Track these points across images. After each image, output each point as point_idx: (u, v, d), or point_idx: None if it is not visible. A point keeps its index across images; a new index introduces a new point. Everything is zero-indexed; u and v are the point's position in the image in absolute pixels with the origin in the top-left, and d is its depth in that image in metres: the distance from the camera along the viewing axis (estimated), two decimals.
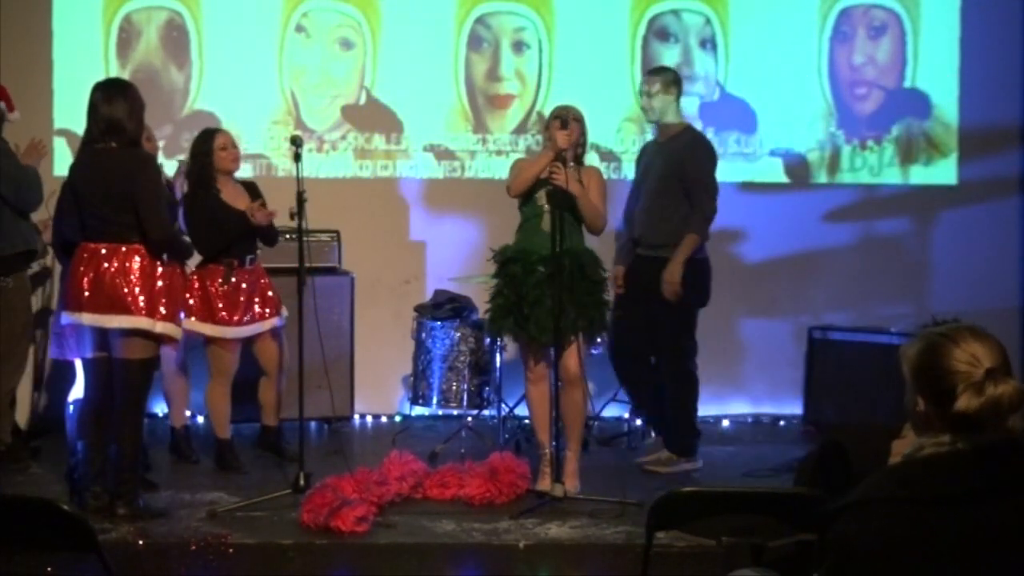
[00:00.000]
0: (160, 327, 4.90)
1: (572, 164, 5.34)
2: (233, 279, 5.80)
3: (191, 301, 5.71)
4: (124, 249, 4.85)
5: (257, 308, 5.87)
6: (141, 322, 4.85)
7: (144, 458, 5.36)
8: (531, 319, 5.23)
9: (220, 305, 5.76)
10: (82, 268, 4.88)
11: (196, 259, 5.86)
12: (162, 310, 4.90)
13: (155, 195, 4.93)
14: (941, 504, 2.16)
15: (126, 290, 4.82)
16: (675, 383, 5.95)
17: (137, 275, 4.85)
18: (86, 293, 4.83)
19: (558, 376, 5.23)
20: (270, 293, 5.94)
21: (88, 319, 4.85)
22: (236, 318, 5.80)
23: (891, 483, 2.25)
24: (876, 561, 2.16)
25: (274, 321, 5.93)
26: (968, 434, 2.22)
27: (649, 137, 7.52)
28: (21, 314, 5.90)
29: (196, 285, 5.76)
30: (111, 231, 4.87)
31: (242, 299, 5.82)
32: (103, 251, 4.86)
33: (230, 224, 5.76)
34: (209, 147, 5.83)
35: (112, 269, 4.83)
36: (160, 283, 4.91)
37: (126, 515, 4.81)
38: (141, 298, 4.84)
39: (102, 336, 4.91)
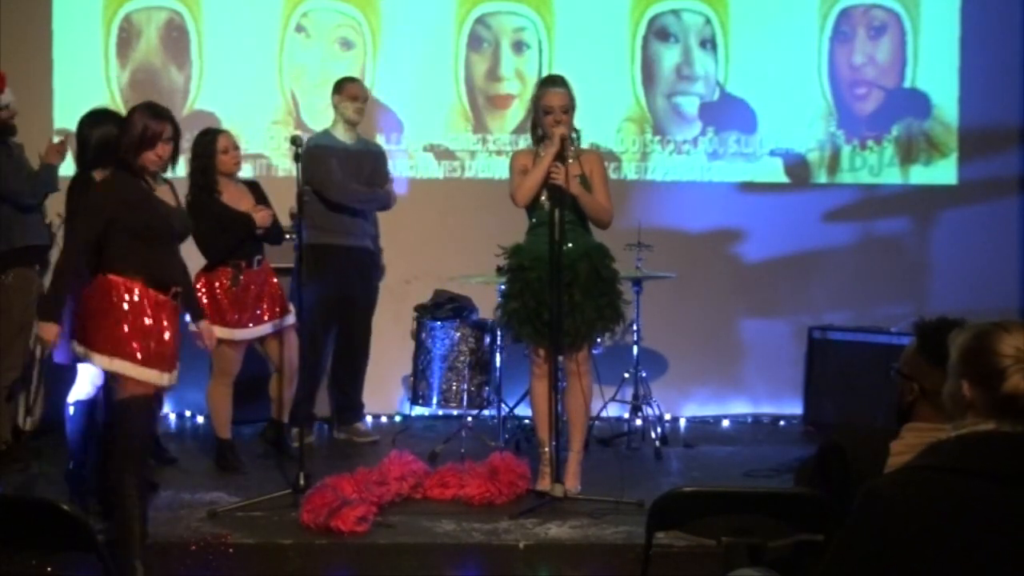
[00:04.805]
0: (105, 363, 4.29)
1: (572, 150, 5.30)
2: (241, 279, 5.79)
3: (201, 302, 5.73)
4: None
5: (265, 308, 5.87)
6: (93, 356, 4.31)
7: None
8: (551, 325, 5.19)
9: (228, 307, 5.75)
10: None
11: (200, 261, 5.86)
12: (106, 343, 4.27)
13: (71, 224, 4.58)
14: (981, 479, 2.22)
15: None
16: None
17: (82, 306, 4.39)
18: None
19: (565, 370, 5.24)
20: (278, 293, 5.95)
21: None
22: (244, 319, 5.80)
23: (932, 454, 2.31)
24: (905, 519, 2.21)
25: (282, 321, 5.93)
26: (1012, 420, 2.29)
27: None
28: (19, 312, 5.89)
29: (204, 287, 5.75)
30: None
31: (250, 300, 5.82)
32: None
33: (235, 227, 5.77)
34: (212, 149, 5.82)
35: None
36: (95, 316, 4.30)
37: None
38: (90, 331, 4.34)
39: None
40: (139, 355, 4.25)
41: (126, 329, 4.25)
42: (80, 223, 4.39)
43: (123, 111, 6.81)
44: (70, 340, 4.48)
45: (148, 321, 4.28)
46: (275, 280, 5.97)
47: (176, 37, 7.36)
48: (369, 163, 6.54)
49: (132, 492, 4.25)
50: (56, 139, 6.16)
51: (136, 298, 4.28)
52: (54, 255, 6.43)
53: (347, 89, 6.50)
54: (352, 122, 6.47)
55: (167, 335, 4.33)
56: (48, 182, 5.86)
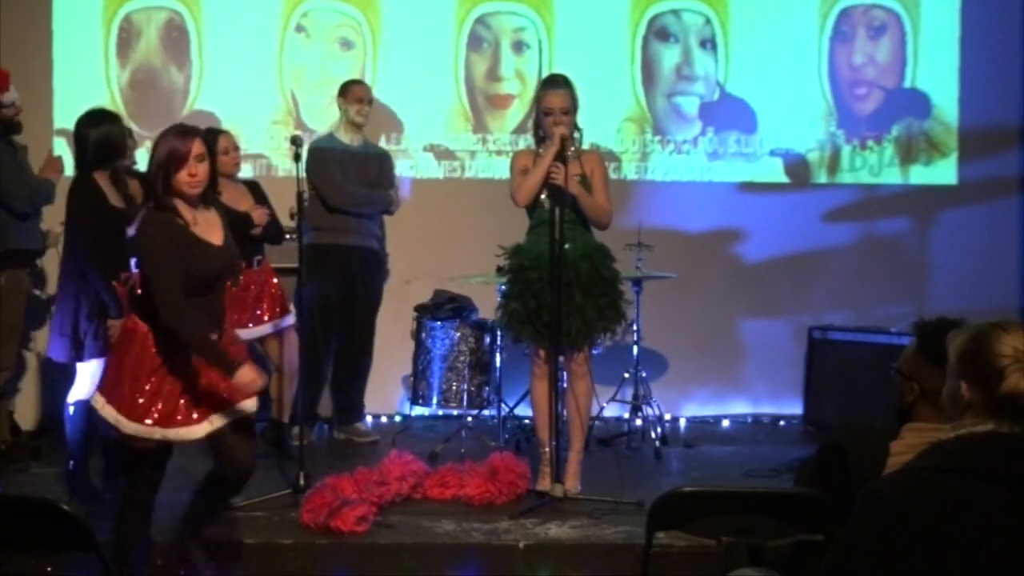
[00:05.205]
0: (99, 405, 3.97)
1: (573, 150, 5.29)
2: (241, 279, 5.79)
3: None
4: None
5: (265, 309, 5.86)
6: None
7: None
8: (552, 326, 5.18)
9: (228, 307, 5.73)
10: None
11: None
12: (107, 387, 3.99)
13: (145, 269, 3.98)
14: (980, 480, 2.22)
15: None
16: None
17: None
18: None
19: (565, 370, 5.24)
20: (278, 293, 5.94)
21: None
22: (244, 320, 5.79)
23: (931, 454, 2.31)
24: (905, 520, 2.21)
25: (282, 321, 5.92)
26: (1010, 421, 2.29)
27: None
28: (12, 314, 5.88)
29: None
30: None
31: (250, 300, 5.81)
32: None
33: (234, 227, 5.74)
34: (212, 150, 5.81)
35: None
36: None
37: None
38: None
39: None
40: (147, 419, 3.93)
41: (130, 379, 3.90)
42: (157, 271, 3.85)
43: (123, 111, 6.86)
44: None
45: (168, 386, 3.93)
46: (275, 280, 5.97)
47: (176, 37, 7.35)
48: (374, 166, 6.56)
49: (130, 543, 4.03)
50: (56, 152, 6.16)
51: (156, 353, 3.89)
52: (49, 259, 6.43)
53: (351, 91, 6.51)
54: (356, 124, 6.49)
55: (180, 389, 3.94)
56: (45, 195, 5.85)
